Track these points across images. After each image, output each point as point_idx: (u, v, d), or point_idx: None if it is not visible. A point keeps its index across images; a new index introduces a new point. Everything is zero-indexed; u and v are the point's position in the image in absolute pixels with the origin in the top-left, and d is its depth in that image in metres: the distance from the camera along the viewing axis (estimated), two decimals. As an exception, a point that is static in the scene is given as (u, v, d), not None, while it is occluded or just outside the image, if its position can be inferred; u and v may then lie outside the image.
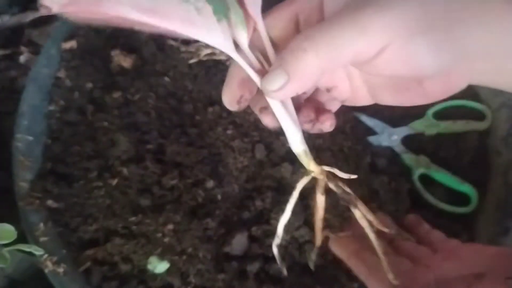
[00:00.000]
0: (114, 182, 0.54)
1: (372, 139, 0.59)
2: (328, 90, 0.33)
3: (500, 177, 0.56)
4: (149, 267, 0.50)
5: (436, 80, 0.29)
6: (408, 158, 0.58)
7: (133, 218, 0.52)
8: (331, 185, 0.32)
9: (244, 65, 0.29)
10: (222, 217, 0.53)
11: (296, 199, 0.33)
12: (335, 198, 0.54)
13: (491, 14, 0.26)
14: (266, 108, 0.31)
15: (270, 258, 0.51)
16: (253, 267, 0.49)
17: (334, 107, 0.35)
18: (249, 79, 0.30)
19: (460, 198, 0.56)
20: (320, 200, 0.34)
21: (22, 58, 0.67)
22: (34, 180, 0.53)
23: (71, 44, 0.61)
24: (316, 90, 0.34)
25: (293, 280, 0.50)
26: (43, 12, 0.23)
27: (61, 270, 0.49)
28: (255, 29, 0.29)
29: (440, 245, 0.43)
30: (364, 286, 0.50)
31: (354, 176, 0.31)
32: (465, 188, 0.56)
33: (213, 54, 0.62)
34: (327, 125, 0.33)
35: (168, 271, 0.50)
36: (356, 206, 0.32)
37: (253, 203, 0.53)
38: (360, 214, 0.32)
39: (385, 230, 0.34)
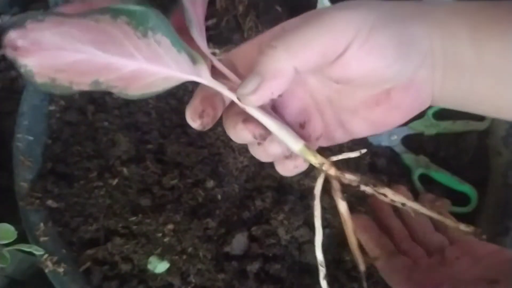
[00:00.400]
0: (115, 182, 0.54)
1: (372, 139, 0.59)
2: (302, 126, 0.32)
3: (500, 177, 0.56)
4: (149, 266, 0.50)
5: (402, 89, 0.29)
6: (407, 158, 0.58)
7: (133, 218, 0.52)
8: (348, 176, 0.30)
9: (216, 85, 0.29)
10: (222, 217, 0.53)
11: (320, 209, 0.30)
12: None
13: (435, 18, 0.28)
14: (249, 117, 0.30)
15: (270, 258, 0.51)
16: (253, 267, 0.50)
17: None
18: (212, 96, 0.30)
19: (460, 198, 0.56)
20: (344, 208, 0.30)
21: (23, 58, 0.66)
22: (34, 180, 0.53)
23: (72, 44, 0.61)
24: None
25: (293, 280, 0.50)
26: (8, 54, 0.24)
27: (61, 270, 0.49)
28: (212, 64, 0.30)
29: (456, 235, 0.43)
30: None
31: (364, 151, 0.31)
32: (465, 188, 0.56)
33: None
34: (301, 161, 0.31)
35: (168, 270, 0.50)
36: (383, 186, 0.30)
37: (253, 203, 0.53)
38: (391, 192, 0.30)
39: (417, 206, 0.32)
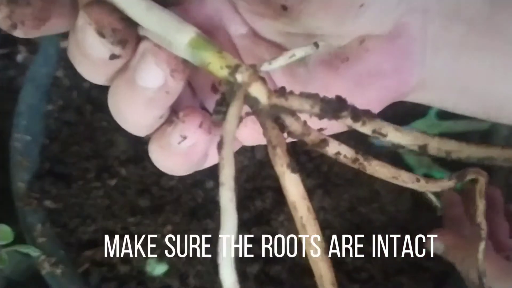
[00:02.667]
0: (113, 182, 0.53)
1: (374, 139, 0.58)
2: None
3: (502, 177, 0.56)
4: (148, 268, 0.50)
5: (381, 43, 0.21)
6: (410, 158, 0.58)
7: (132, 219, 0.52)
8: (294, 99, 0.16)
9: None
10: (222, 217, 0.52)
11: (232, 165, 0.16)
12: (335, 198, 0.54)
13: None
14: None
15: (270, 259, 0.51)
16: (253, 269, 0.49)
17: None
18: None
19: (462, 199, 0.55)
20: (293, 186, 0.17)
21: (20, 57, 0.66)
22: (32, 180, 0.53)
23: (70, 43, 0.61)
24: None
25: (293, 282, 0.50)
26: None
27: (59, 271, 0.48)
28: None
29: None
30: (364, 286, 0.50)
31: (322, 43, 0.20)
32: (467, 188, 0.55)
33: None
34: (192, 122, 0.20)
35: (167, 272, 0.50)
36: (372, 118, 0.18)
37: (253, 204, 0.53)
38: (394, 131, 0.19)
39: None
